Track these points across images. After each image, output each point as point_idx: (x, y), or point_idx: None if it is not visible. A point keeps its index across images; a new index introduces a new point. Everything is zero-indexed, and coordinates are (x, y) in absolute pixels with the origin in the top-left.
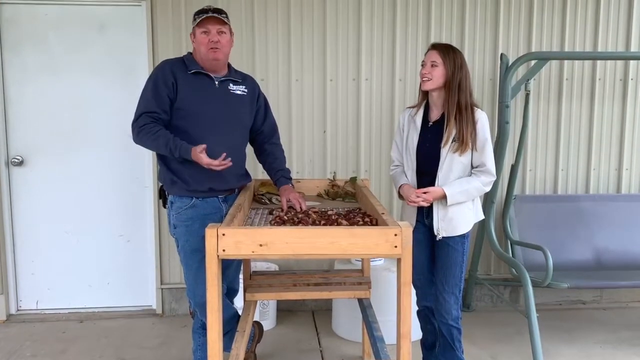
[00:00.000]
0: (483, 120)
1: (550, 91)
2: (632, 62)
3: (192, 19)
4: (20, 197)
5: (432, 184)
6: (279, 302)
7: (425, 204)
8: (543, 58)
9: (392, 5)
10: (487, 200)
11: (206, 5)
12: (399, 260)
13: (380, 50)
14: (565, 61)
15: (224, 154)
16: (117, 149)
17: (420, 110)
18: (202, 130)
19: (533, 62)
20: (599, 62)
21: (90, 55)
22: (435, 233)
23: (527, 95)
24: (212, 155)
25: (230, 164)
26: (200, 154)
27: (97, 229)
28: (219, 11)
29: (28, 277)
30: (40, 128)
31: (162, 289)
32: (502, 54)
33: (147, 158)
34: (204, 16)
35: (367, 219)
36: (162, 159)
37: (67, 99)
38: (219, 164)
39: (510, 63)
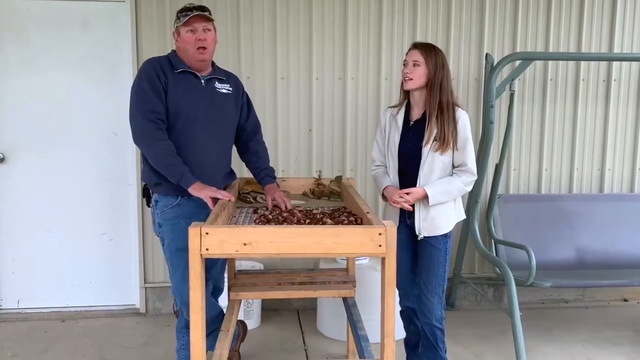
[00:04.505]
0: (464, 120)
1: (534, 91)
2: (615, 63)
3: (176, 18)
4: (1, 195)
5: (414, 184)
6: (263, 301)
7: (407, 207)
8: (528, 58)
9: (378, 4)
10: (471, 199)
11: (188, 3)
12: (383, 260)
13: (366, 49)
14: (550, 62)
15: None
16: (100, 147)
17: (401, 109)
18: (190, 128)
19: (518, 62)
20: (582, 63)
21: (74, 51)
22: (417, 233)
23: (512, 95)
24: (203, 153)
25: (232, 199)
26: (208, 192)
27: (79, 227)
28: (204, 8)
29: (9, 275)
30: (21, 125)
31: (145, 287)
32: (487, 54)
33: (130, 155)
34: (191, 15)
35: (352, 218)
36: (146, 159)
37: (50, 96)
38: (224, 196)
39: (495, 63)
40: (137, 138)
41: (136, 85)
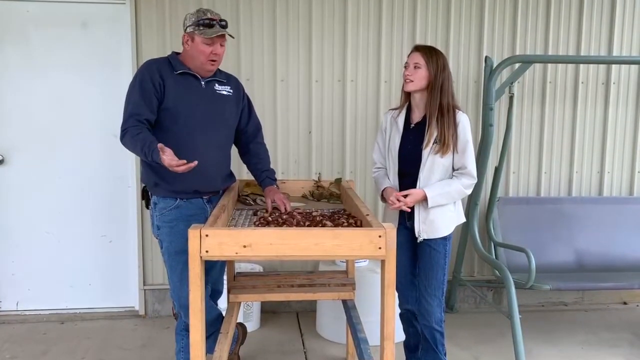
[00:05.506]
0: (464, 122)
1: (533, 94)
2: (614, 66)
3: (193, 24)
4: (1, 197)
5: (414, 185)
6: (263, 304)
7: (406, 209)
8: (527, 61)
9: (377, 7)
10: (471, 202)
11: (209, 11)
12: (383, 262)
13: (365, 52)
14: (549, 64)
15: (196, 162)
16: (100, 148)
17: (402, 111)
18: (190, 130)
19: (517, 65)
20: (581, 65)
21: (73, 53)
22: (417, 235)
23: (511, 98)
24: (203, 154)
25: (195, 164)
26: (163, 156)
27: (78, 229)
28: (226, 24)
29: (8, 277)
30: (21, 126)
31: (144, 290)
32: (486, 57)
33: (130, 157)
34: (217, 34)
35: (351, 221)
36: (143, 161)
37: (49, 97)
38: (177, 164)
39: (494, 66)
40: (120, 137)
41: (129, 87)
